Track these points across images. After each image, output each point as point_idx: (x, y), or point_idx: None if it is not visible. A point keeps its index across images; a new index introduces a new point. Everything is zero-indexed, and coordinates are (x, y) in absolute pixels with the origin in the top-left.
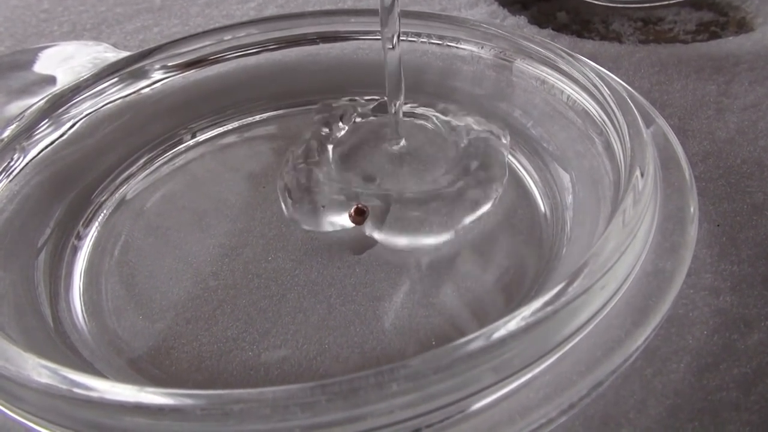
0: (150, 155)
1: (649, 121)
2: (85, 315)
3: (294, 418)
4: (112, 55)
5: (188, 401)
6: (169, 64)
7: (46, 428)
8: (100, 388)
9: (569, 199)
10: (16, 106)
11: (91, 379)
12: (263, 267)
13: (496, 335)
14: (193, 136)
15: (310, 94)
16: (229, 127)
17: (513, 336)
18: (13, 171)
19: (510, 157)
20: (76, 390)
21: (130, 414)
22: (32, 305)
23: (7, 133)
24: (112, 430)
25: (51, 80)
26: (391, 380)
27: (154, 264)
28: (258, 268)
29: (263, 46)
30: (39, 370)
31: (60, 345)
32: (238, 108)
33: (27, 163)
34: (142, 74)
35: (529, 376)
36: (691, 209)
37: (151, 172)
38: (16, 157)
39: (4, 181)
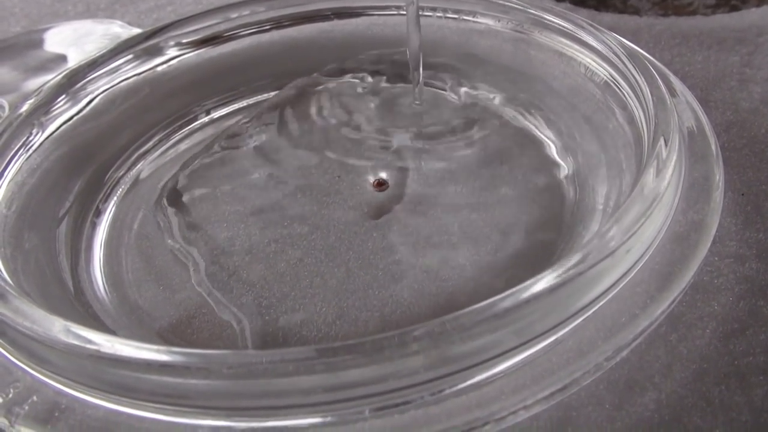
0: (165, 132)
1: (671, 91)
2: (106, 286)
3: (317, 377)
4: (125, 32)
5: (215, 360)
6: (184, 41)
7: (73, 389)
8: (128, 348)
9: (591, 169)
10: (32, 83)
11: (118, 339)
12: (279, 232)
13: (520, 298)
14: (207, 113)
15: (324, 72)
16: (244, 104)
17: (536, 299)
18: (32, 146)
19: (531, 129)
20: (103, 350)
21: (157, 373)
22: (55, 275)
23: (24, 107)
24: (138, 391)
25: (65, 58)
26: (413, 341)
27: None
28: (274, 234)
29: (277, 23)
30: (66, 332)
31: (83, 314)
32: (251, 85)
33: (46, 138)
34: (157, 51)
35: (552, 339)
36: (717, 177)
37: (167, 149)
38: (34, 132)
39: (24, 155)
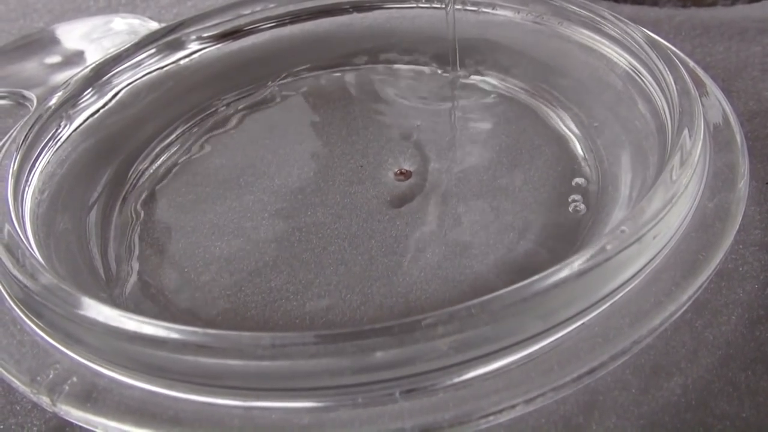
0: (187, 125)
1: (696, 81)
2: (131, 271)
3: (345, 359)
4: (145, 27)
5: (249, 341)
6: (205, 35)
7: (111, 370)
8: (165, 330)
9: (613, 158)
10: (58, 77)
11: (155, 322)
12: (303, 221)
13: (546, 283)
14: (228, 106)
15: (344, 64)
16: (263, 96)
17: (563, 284)
18: (60, 138)
19: (552, 118)
20: (141, 331)
21: (193, 354)
22: (86, 261)
23: (54, 100)
24: (174, 371)
25: (86, 53)
26: (439, 323)
27: (195, 220)
28: (298, 222)
29: (296, 17)
30: (104, 314)
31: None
32: (271, 78)
33: (74, 131)
34: (179, 45)
35: (578, 324)
36: (742, 166)
37: (188, 137)
38: (63, 124)
39: (53, 147)
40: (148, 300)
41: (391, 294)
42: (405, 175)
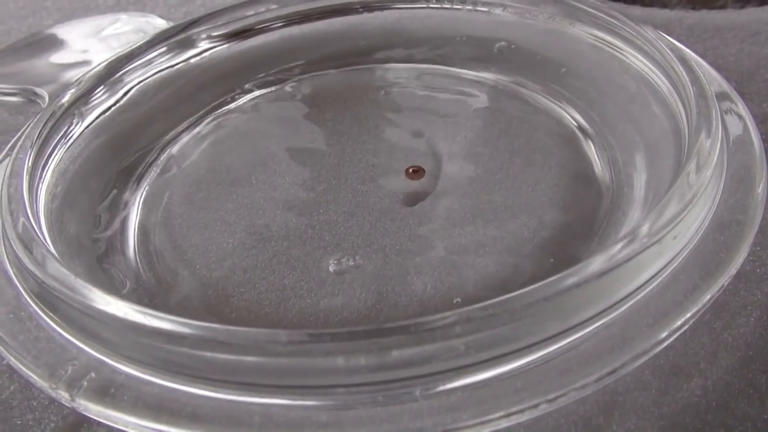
0: (198, 123)
1: (709, 81)
2: (143, 267)
3: (363, 357)
4: (153, 26)
5: (269, 338)
6: (215, 34)
7: (129, 366)
8: (183, 325)
9: (628, 158)
10: (69, 74)
11: (173, 318)
12: (315, 219)
13: (565, 284)
14: (238, 105)
15: (355, 63)
16: (273, 95)
17: (583, 284)
18: (72, 135)
19: (565, 118)
20: (159, 327)
21: (212, 350)
22: (99, 259)
23: (66, 98)
24: (191, 368)
25: (94, 52)
26: (456, 323)
27: (207, 217)
28: (310, 220)
29: (306, 16)
30: (123, 310)
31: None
32: (281, 76)
33: (86, 128)
34: (190, 44)
35: (597, 325)
36: (760, 168)
37: (199, 134)
38: (75, 122)
39: (65, 144)
40: (161, 296)
41: (405, 293)
42: (417, 173)
